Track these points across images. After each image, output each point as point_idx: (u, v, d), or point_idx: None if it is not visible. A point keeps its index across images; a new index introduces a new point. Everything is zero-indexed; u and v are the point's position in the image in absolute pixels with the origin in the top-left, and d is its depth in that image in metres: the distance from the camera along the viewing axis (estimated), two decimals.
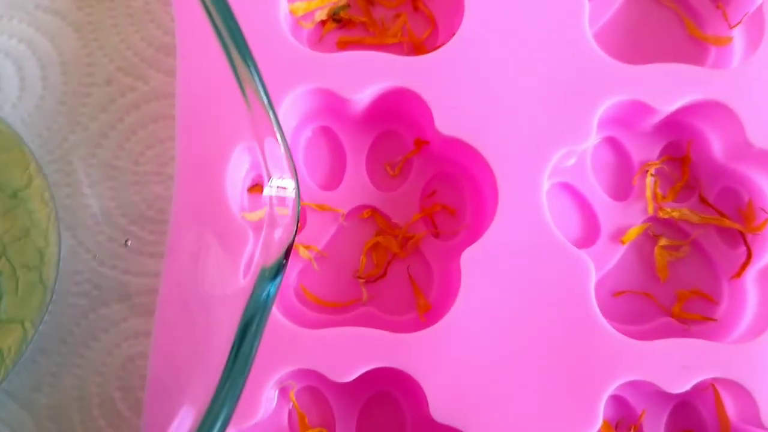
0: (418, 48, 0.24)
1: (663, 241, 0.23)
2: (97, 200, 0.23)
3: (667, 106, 0.22)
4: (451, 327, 0.21)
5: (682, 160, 0.24)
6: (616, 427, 0.23)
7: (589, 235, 0.24)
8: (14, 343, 0.21)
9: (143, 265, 0.23)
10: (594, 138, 0.22)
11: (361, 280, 0.23)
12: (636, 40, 0.25)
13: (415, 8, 0.25)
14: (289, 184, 0.15)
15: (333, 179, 0.24)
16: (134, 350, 0.23)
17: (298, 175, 0.16)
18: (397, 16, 0.25)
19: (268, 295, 0.15)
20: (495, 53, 0.22)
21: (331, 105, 0.23)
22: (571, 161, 0.23)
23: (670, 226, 0.24)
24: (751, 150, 0.22)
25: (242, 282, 0.16)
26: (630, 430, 0.22)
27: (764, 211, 0.23)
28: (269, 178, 0.15)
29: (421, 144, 0.24)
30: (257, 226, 0.17)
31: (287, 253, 0.15)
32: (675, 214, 0.23)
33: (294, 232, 0.15)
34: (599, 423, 0.20)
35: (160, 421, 0.19)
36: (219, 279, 0.18)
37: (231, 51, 0.15)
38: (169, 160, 0.24)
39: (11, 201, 0.22)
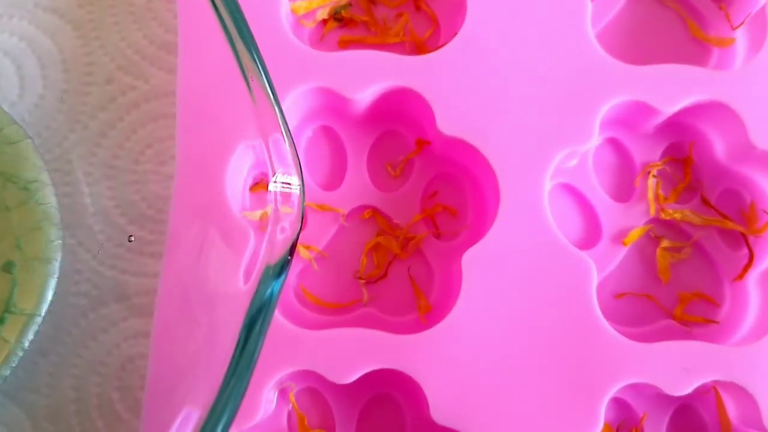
0: (419, 47, 0.24)
1: (665, 243, 0.23)
2: (97, 199, 0.23)
3: (669, 107, 0.22)
4: (452, 328, 0.21)
5: (684, 161, 0.24)
6: (618, 429, 0.23)
7: (590, 237, 0.24)
8: (22, 337, 0.21)
9: (143, 265, 0.23)
10: (596, 139, 0.22)
11: (362, 281, 0.23)
12: (638, 41, 0.25)
13: (417, 7, 0.25)
14: (294, 180, 0.15)
15: (334, 179, 0.24)
16: (133, 351, 0.22)
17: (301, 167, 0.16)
18: (399, 15, 0.25)
19: (272, 293, 0.15)
20: (497, 53, 0.22)
21: (333, 104, 0.23)
22: (573, 162, 0.23)
23: (671, 227, 0.24)
24: (753, 152, 0.22)
25: (244, 282, 0.16)
26: None
27: (766, 213, 0.23)
28: (274, 173, 0.15)
29: (422, 144, 0.24)
30: (258, 225, 0.17)
31: (292, 250, 0.15)
32: (677, 215, 0.23)
33: (299, 229, 0.15)
34: (600, 426, 0.20)
35: (159, 422, 0.19)
36: (221, 278, 0.18)
37: (237, 45, 0.15)
38: (169, 159, 0.23)
39: (23, 193, 0.22)
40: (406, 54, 0.23)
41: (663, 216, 0.23)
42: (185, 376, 0.18)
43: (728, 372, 0.21)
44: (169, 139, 0.23)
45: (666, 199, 0.24)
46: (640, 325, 0.23)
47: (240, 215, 0.20)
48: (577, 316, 0.21)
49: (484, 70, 0.22)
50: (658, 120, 0.23)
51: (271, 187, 0.16)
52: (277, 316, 0.21)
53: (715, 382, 0.21)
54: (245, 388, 0.14)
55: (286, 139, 0.15)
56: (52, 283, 0.21)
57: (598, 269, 0.22)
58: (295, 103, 0.22)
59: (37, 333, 0.21)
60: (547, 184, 0.22)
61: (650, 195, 0.23)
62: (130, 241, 0.23)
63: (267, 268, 0.15)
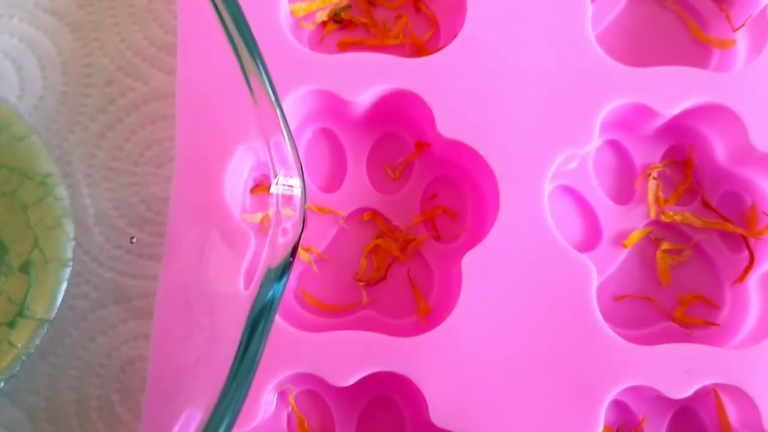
0: (419, 50, 0.24)
1: (665, 245, 0.23)
2: (96, 201, 0.23)
3: (669, 109, 0.22)
4: (452, 331, 0.21)
5: (685, 163, 0.24)
6: None
7: (590, 239, 0.24)
8: (31, 343, 0.21)
9: (142, 267, 0.23)
10: (596, 141, 0.22)
11: (362, 283, 0.23)
12: (639, 43, 0.25)
13: (417, 9, 0.25)
14: (296, 183, 0.15)
15: (333, 181, 0.24)
16: (133, 353, 0.22)
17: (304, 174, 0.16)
18: (399, 17, 0.25)
19: (274, 295, 0.15)
20: (497, 55, 0.22)
21: (332, 106, 0.23)
22: (573, 164, 0.23)
23: (672, 230, 0.24)
24: (754, 154, 0.22)
25: (244, 284, 0.16)
26: None
27: (767, 215, 0.23)
28: (276, 175, 0.15)
29: (422, 146, 0.24)
30: (259, 228, 0.17)
31: (294, 252, 0.15)
32: (677, 218, 0.23)
33: (300, 231, 0.15)
34: (600, 428, 0.20)
35: (160, 424, 0.19)
36: (222, 280, 0.18)
37: (238, 45, 0.15)
38: (168, 161, 0.23)
39: (41, 188, 0.21)
40: (405, 56, 0.23)
41: (663, 218, 0.23)
42: (185, 379, 0.18)
43: (728, 375, 0.21)
44: (168, 140, 0.23)
45: (666, 201, 0.24)
46: (640, 327, 0.23)
47: (240, 217, 0.20)
48: (577, 318, 0.21)
49: (484, 72, 0.22)
50: (659, 122, 0.23)
51: (273, 189, 0.15)
52: (277, 319, 0.21)
53: (716, 384, 0.21)
54: (246, 392, 0.14)
55: (287, 141, 0.15)
56: (64, 288, 0.21)
57: (598, 271, 0.22)
58: (295, 105, 0.22)
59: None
60: (547, 187, 0.22)
61: (650, 197, 0.23)
62: (131, 243, 0.22)
63: (269, 271, 0.15)
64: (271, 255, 0.15)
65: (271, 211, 0.15)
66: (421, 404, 0.21)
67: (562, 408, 0.20)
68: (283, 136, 0.15)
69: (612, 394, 0.21)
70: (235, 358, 0.14)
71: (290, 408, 0.22)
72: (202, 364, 0.17)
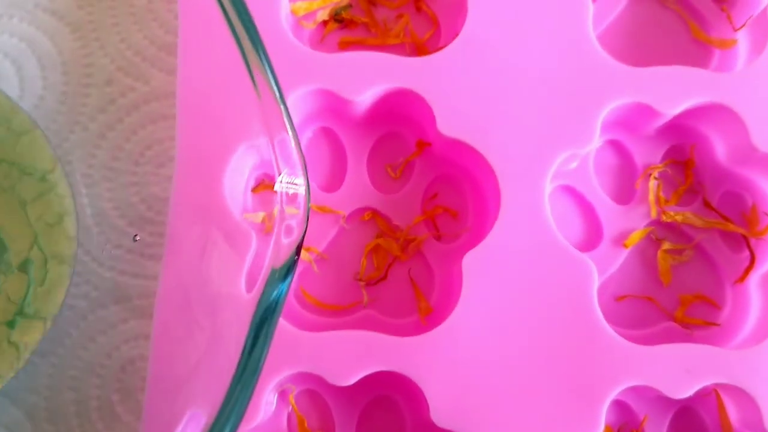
0: (420, 49, 0.24)
1: (666, 245, 0.23)
2: (96, 201, 0.23)
3: (670, 109, 0.22)
4: (453, 330, 0.21)
5: (686, 163, 0.24)
6: None
7: (591, 239, 0.24)
8: (32, 342, 0.21)
9: (143, 267, 0.23)
10: (597, 141, 0.22)
11: (362, 283, 0.23)
12: (640, 43, 0.25)
13: (418, 9, 0.25)
14: (300, 181, 0.15)
15: (334, 181, 0.24)
16: (134, 353, 0.22)
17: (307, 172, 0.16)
18: (400, 16, 0.25)
19: (279, 295, 0.15)
20: (498, 55, 0.22)
21: (333, 106, 0.23)
22: (574, 164, 0.23)
23: (673, 229, 0.24)
24: (755, 154, 0.22)
25: (246, 284, 0.15)
26: None
27: None
28: (280, 173, 0.15)
29: (422, 146, 0.24)
30: (260, 228, 0.16)
31: (298, 251, 0.15)
32: (678, 217, 0.23)
33: (304, 230, 0.15)
34: (601, 428, 0.20)
35: (161, 424, 0.19)
36: (223, 280, 0.18)
37: (243, 42, 0.15)
38: (168, 160, 0.23)
39: (42, 185, 0.21)
40: (406, 55, 0.23)
41: (664, 218, 0.23)
42: (187, 378, 0.18)
43: (729, 374, 0.21)
44: (168, 140, 0.23)
45: (667, 201, 0.24)
46: (641, 327, 0.23)
47: (240, 217, 0.20)
48: (577, 318, 0.21)
49: (485, 71, 0.22)
50: (660, 122, 0.23)
51: (277, 187, 0.15)
52: None
53: (716, 384, 0.21)
54: (251, 394, 0.14)
55: (292, 138, 0.15)
56: (66, 286, 0.21)
57: (599, 271, 0.22)
58: (295, 104, 0.22)
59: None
60: (548, 186, 0.22)
61: (651, 197, 0.23)
62: (135, 241, 0.22)
63: (273, 271, 0.15)
64: (276, 255, 0.15)
65: (276, 210, 0.15)
66: (422, 404, 0.21)
67: (563, 408, 0.20)
68: (288, 132, 0.15)
69: (613, 394, 0.21)
70: (240, 359, 0.14)
71: (290, 407, 0.22)
72: (204, 364, 0.17)
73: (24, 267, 0.20)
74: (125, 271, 0.23)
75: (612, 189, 0.24)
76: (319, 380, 0.21)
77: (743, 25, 0.24)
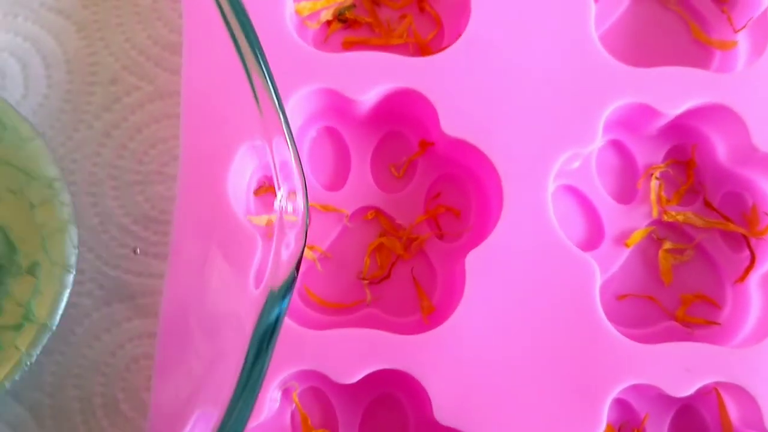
0: (423, 49, 0.24)
1: (667, 245, 0.23)
2: (101, 199, 0.23)
3: (672, 110, 0.22)
4: (455, 329, 0.21)
5: (687, 163, 0.24)
6: (620, 430, 0.23)
7: (593, 238, 0.24)
8: (33, 348, 0.21)
9: (147, 265, 0.23)
10: (599, 141, 0.22)
11: (365, 282, 0.23)
12: (641, 43, 0.25)
13: (421, 9, 0.25)
14: (299, 194, 0.15)
15: (337, 180, 0.24)
16: (138, 351, 0.22)
17: (306, 180, 0.16)
18: (403, 16, 0.25)
19: (279, 313, 0.15)
20: (501, 55, 0.22)
21: (336, 105, 0.23)
22: (576, 164, 0.23)
23: (674, 229, 0.24)
24: (755, 154, 0.22)
25: (252, 291, 0.16)
26: None
27: None
28: (279, 185, 0.15)
29: (426, 145, 0.24)
30: (265, 232, 0.17)
31: (297, 266, 0.15)
32: (679, 217, 0.23)
33: (303, 245, 0.15)
34: (603, 426, 0.20)
35: (166, 422, 0.19)
36: (229, 280, 0.18)
37: (243, 50, 0.15)
38: (173, 159, 0.23)
39: (48, 191, 0.21)
40: (409, 55, 0.23)
41: (665, 218, 0.23)
42: (192, 378, 0.18)
43: (730, 373, 0.21)
44: (173, 139, 0.24)
45: (668, 201, 0.24)
46: (642, 326, 0.23)
47: (244, 219, 0.20)
48: (579, 317, 0.21)
49: (488, 71, 0.22)
50: (661, 122, 0.23)
51: (276, 204, 0.15)
52: None
53: (717, 383, 0.21)
54: (254, 403, 0.14)
55: (291, 151, 0.15)
56: (66, 294, 0.21)
57: (601, 271, 0.22)
58: (299, 104, 0.22)
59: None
60: (551, 186, 0.22)
61: (653, 197, 0.24)
62: (135, 254, 0.22)
63: (272, 292, 0.15)
64: (274, 274, 0.15)
65: (275, 219, 0.15)
66: (425, 402, 0.21)
67: (564, 406, 0.21)
68: (286, 140, 0.15)
69: (614, 393, 0.21)
70: (241, 374, 0.15)
71: (294, 405, 0.22)
72: (209, 363, 0.17)
73: (32, 270, 0.21)
74: (130, 270, 0.23)
75: (614, 189, 0.24)
76: (322, 378, 0.21)
77: (743, 27, 0.24)
